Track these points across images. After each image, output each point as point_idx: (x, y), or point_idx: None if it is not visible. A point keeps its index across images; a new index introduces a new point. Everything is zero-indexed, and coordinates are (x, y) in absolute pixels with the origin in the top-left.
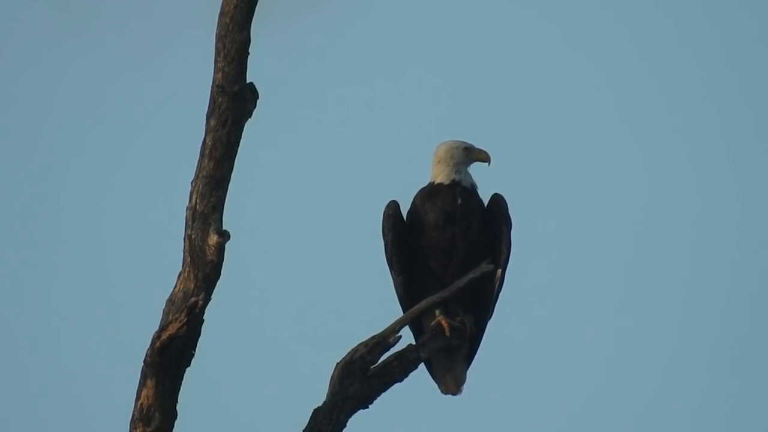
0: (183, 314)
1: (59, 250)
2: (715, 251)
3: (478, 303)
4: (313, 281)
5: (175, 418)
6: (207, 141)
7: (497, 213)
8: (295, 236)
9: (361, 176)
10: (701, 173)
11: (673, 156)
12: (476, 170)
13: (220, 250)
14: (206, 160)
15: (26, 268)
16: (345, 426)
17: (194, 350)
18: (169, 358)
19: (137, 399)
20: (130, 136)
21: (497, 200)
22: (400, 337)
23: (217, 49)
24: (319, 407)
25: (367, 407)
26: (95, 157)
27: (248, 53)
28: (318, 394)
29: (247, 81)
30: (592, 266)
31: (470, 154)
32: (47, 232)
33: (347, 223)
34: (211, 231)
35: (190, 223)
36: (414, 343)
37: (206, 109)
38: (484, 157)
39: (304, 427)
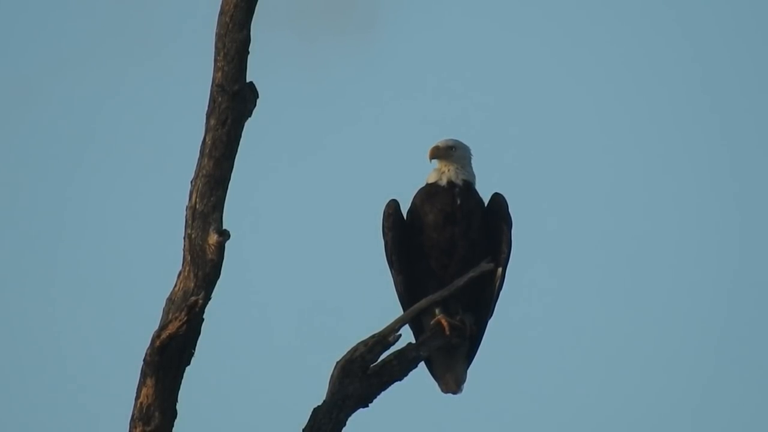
0: (183, 313)
1: (59, 249)
2: (716, 250)
3: (479, 302)
4: (313, 280)
5: (175, 417)
6: (207, 140)
7: (497, 212)
8: (295, 235)
9: (361, 175)
10: (702, 172)
11: (673, 155)
12: (477, 170)
13: (220, 249)
14: (206, 159)
15: (26, 267)
16: (345, 425)
17: (194, 349)
18: (169, 357)
19: (137, 398)
20: (130, 135)
21: (497, 199)
22: (400, 335)
23: (216, 48)
24: (318, 406)
25: (367, 406)
26: (95, 156)
27: (248, 52)
28: (318, 394)
29: (247, 80)
30: (593, 265)
31: (437, 152)
32: (47, 232)
33: (347, 223)
34: (211, 230)
35: (190, 222)
36: (414, 341)
37: (206, 108)
38: (434, 153)
39: (303, 426)
